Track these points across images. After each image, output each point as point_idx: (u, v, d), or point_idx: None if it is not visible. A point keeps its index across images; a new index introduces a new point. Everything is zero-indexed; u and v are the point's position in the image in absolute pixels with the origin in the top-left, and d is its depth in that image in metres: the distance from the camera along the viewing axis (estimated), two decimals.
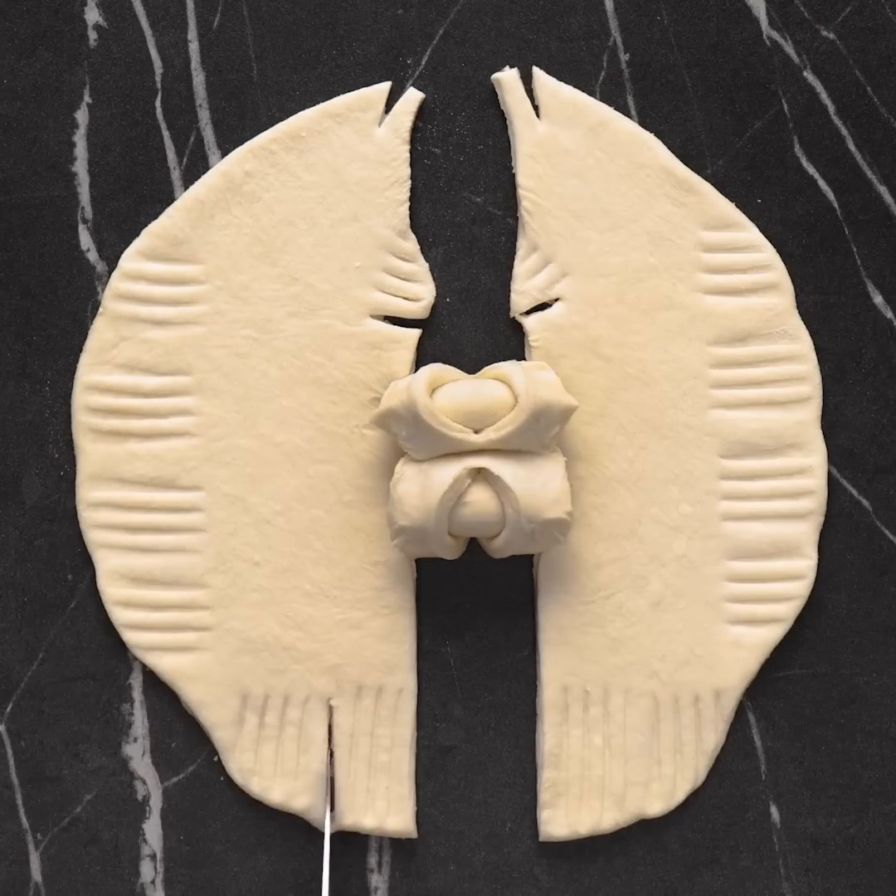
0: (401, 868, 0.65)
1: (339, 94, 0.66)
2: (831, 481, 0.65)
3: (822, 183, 0.66)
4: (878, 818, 0.65)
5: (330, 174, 0.65)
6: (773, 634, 0.64)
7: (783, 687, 0.65)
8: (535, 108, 0.65)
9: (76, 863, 0.65)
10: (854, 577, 0.66)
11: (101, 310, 0.65)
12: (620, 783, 0.64)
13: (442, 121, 0.66)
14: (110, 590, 0.64)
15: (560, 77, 0.66)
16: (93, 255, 0.66)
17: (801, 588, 0.64)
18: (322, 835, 0.64)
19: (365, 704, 0.64)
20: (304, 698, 0.64)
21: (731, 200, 0.65)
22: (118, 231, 0.66)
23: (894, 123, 0.66)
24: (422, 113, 0.66)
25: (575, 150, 0.65)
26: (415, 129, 0.66)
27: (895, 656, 0.65)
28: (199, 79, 0.66)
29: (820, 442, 0.65)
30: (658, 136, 0.66)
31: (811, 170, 0.66)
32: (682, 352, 0.65)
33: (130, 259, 0.65)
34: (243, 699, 0.64)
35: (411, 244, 0.65)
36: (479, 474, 0.61)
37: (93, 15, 0.66)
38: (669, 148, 0.65)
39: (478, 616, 0.65)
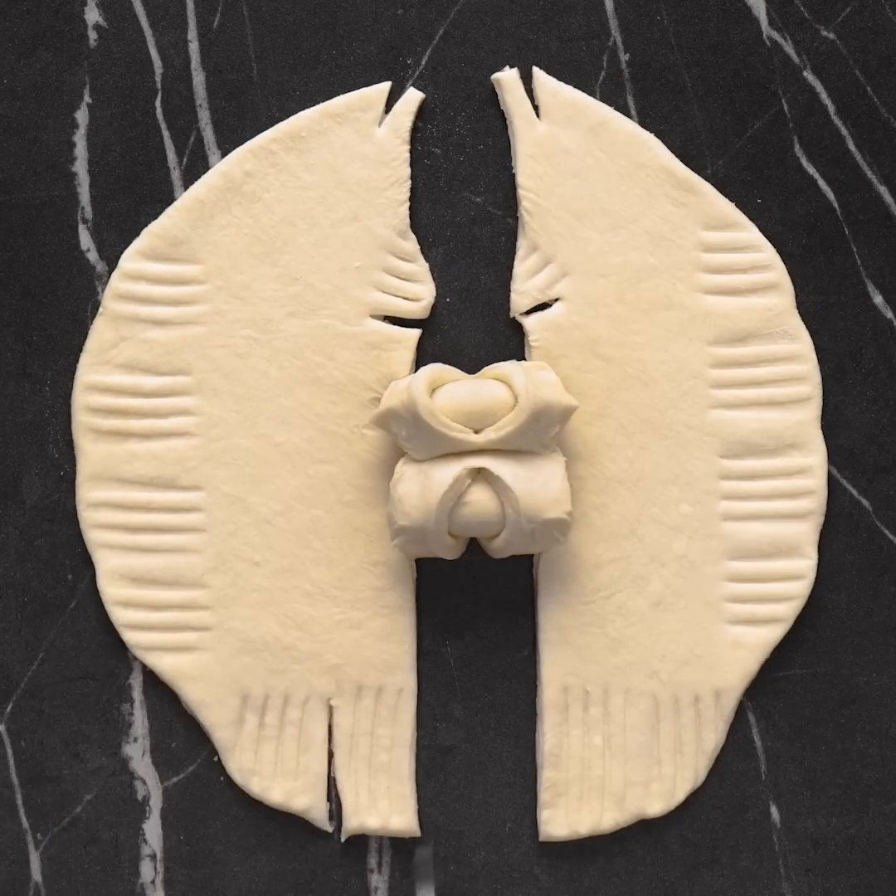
0: (401, 868, 0.65)
1: (339, 94, 0.66)
2: (831, 481, 0.65)
3: (822, 183, 0.66)
4: (878, 818, 0.65)
5: (330, 174, 0.65)
6: (773, 634, 0.64)
7: (783, 687, 0.65)
8: (535, 108, 0.65)
9: (76, 863, 0.65)
10: (854, 577, 0.66)
11: (101, 310, 0.65)
12: (620, 783, 0.64)
13: (442, 121, 0.66)
14: (110, 590, 0.64)
15: (560, 77, 0.66)
16: (93, 255, 0.66)
17: (801, 588, 0.64)
18: (322, 834, 0.64)
19: (365, 704, 0.64)
20: (304, 698, 0.64)
21: (731, 200, 0.65)
22: (118, 231, 0.66)
23: (894, 123, 0.66)
24: (422, 113, 0.66)
25: (575, 150, 0.65)
26: (415, 129, 0.66)
27: (895, 656, 0.65)
28: (199, 79, 0.66)
29: (820, 442, 0.65)
30: (658, 136, 0.66)
31: (811, 170, 0.66)
32: (682, 352, 0.65)
33: (130, 259, 0.65)
34: (243, 699, 0.64)
35: (411, 244, 0.65)
36: (479, 474, 0.61)
37: (93, 15, 0.66)
38: (669, 148, 0.65)
39: (478, 616, 0.65)
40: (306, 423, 0.64)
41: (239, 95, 0.66)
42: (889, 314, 0.66)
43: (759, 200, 0.66)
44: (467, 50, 0.66)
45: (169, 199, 0.66)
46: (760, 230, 0.65)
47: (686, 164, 0.65)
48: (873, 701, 0.65)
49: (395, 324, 0.65)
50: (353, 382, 0.65)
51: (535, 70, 0.66)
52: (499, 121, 0.66)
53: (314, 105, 0.66)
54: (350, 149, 0.65)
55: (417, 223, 0.66)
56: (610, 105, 0.66)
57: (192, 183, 0.65)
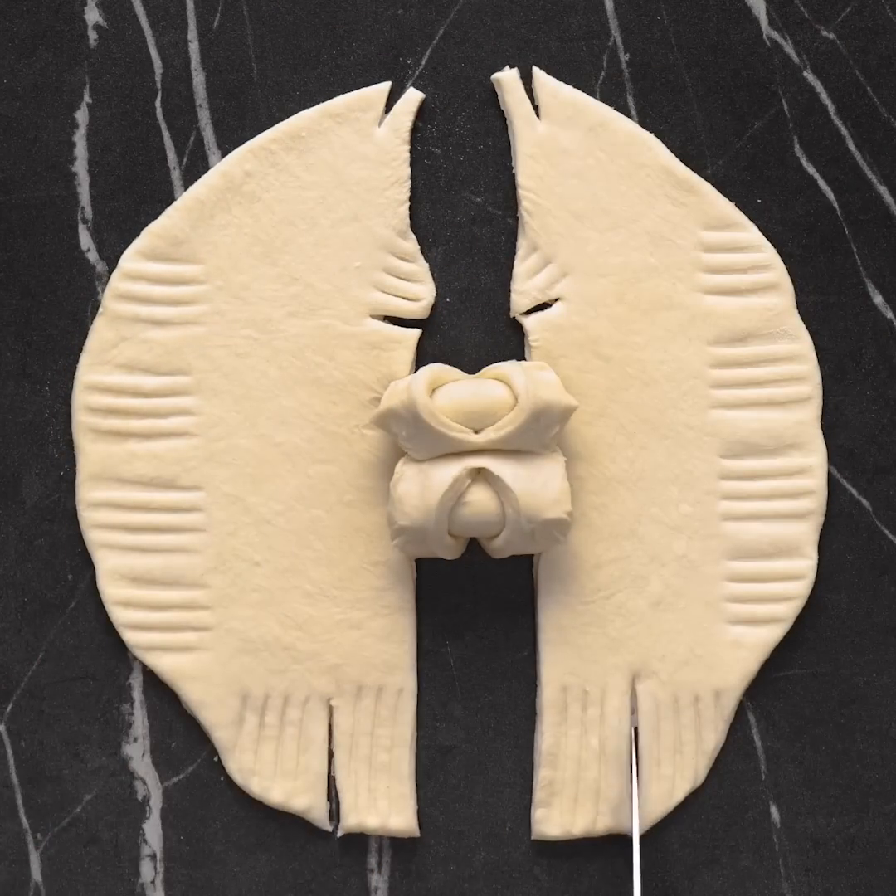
0: (401, 868, 0.65)
1: (339, 94, 0.66)
2: (831, 481, 0.65)
3: (822, 183, 0.66)
4: (878, 818, 0.65)
5: (330, 174, 0.65)
6: (773, 634, 0.64)
7: (783, 687, 0.65)
8: (535, 108, 0.65)
9: (76, 863, 0.65)
10: (854, 577, 0.66)
11: (101, 310, 0.65)
12: (616, 791, 0.64)
13: (442, 121, 0.66)
14: (110, 590, 0.64)
15: (560, 77, 0.66)
16: (93, 255, 0.66)
17: (801, 588, 0.64)
18: (322, 834, 0.64)
19: (365, 704, 0.64)
20: (304, 698, 0.64)
21: (731, 200, 0.65)
22: (118, 231, 0.66)
23: (894, 123, 0.66)
24: (422, 113, 0.66)
25: (575, 150, 0.65)
26: (415, 129, 0.66)
27: (895, 656, 0.65)
28: (199, 79, 0.66)
29: (820, 442, 0.65)
30: (658, 136, 0.66)
31: (811, 170, 0.66)
32: (682, 352, 0.65)
33: (130, 259, 0.65)
34: (243, 699, 0.64)
35: (411, 244, 0.65)
36: (479, 474, 0.61)
37: (93, 15, 0.66)
38: (669, 148, 0.65)
39: (478, 616, 0.65)
40: (306, 423, 0.64)
41: (239, 95, 0.66)
42: (889, 314, 0.66)
43: (759, 200, 0.66)
44: (467, 50, 0.66)
45: (169, 199, 0.66)
46: (760, 230, 0.65)
47: (686, 164, 0.65)
48: (873, 701, 0.65)
49: (395, 324, 0.65)
50: (353, 382, 0.65)
51: (535, 70, 0.66)
52: (499, 121, 0.66)
53: (314, 105, 0.66)
54: (350, 149, 0.65)
55: (417, 223, 0.66)
56: (610, 105, 0.66)
57: (192, 183, 0.65)
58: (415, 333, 0.65)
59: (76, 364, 0.65)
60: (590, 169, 0.65)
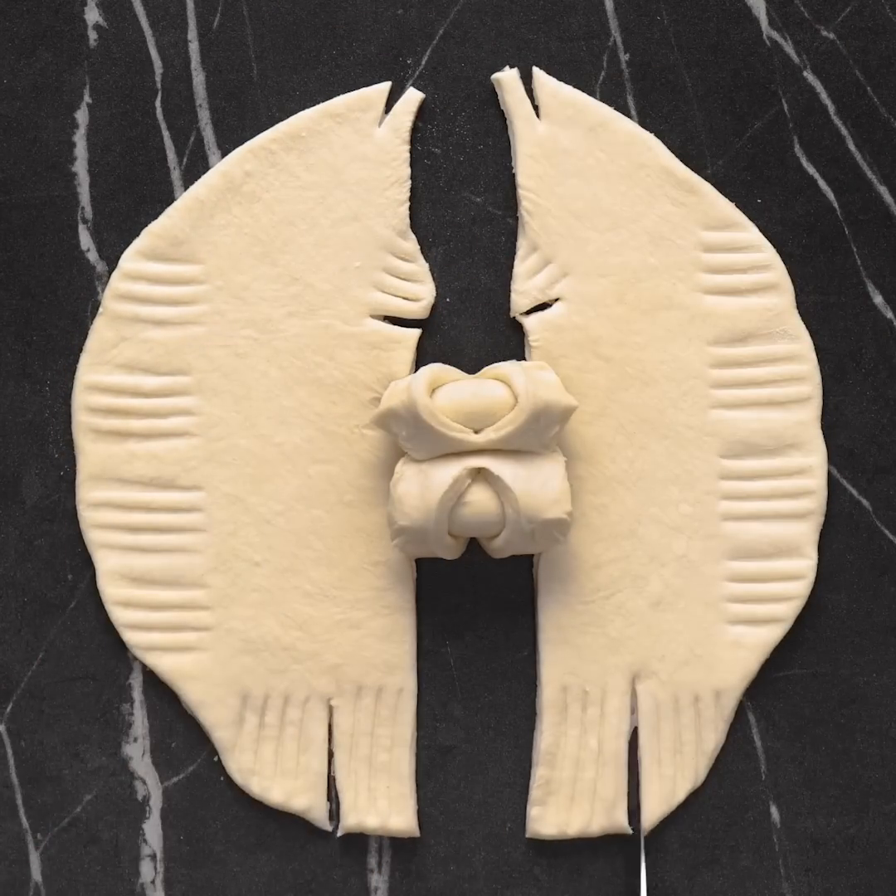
0: (401, 868, 0.65)
1: (339, 94, 0.66)
2: (831, 481, 0.65)
3: (822, 183, 0.66)
4: (878, 818, 0.65)
5: (330, 174, 0.65)
6: (773, 634, 0.64)
7: (783, 687, 0.65)
8: (535, 108, 0.65)
9: (76, 863, 0.65)
10: (854, 577, 0.66)
11: (101, 310, 0.65)
12: (612, 791, 0.64)
13: (442, 121, 0.66)
14: (110, 590, 0.64)
15: (560, 77, 0.66)
16: (93, 255, 0.66)
17: (801, 588, 0.64)
18: (322, 834, 0.64)
19: (365, 704, 0.64)
20: (304, 698, 0.64)
21: (731, 200, 0.65)
22: (118, 231, 0.66)
23: (894, 123, 0.66)
24: (422, 113, 0.66)
25: (575, 150, 0.65)
26: (415, 129, 0.66)
27: (895, 656, 0.65)
28: (199, 79, 0.66)
29: (820, 442, 0.65)
30: (658, 136, 0.66)
31: (811, 170, 0.66)
32: (682, 352, 0.65)
33: (130, 259, 0.65)
34: (243, 699, 0.64)
35: (411, 244, 0.65)
36: (479, 474, 0.61)
37: (93, 15, 0.66)
38: (669, 148, 0.65)
39: (478, 616, 0.65)
40: (306, 423, 0.65)
41: (239, 95, 0.66)
42: (889, 314, 0.66)
43: (759, 200, 0.66)
44: (467, 50, 0.66)
45: (169, 199, 0.66)
46: (760, 230, 0.65)
47: (686, 164, 0.65)
48: (873, 701, 0.65)
49: (395, 324, 0.65)
50: (353, 382, 0.65)
51: (535, 70, 0.66)
52: (499, 121, 0.66)
53: (314, 105, 0.66)
54: (350, 149, 0.65)
55: (417, 223, 0.66)
56: (610, 105, 0.66)
57: (192, 183, 0.65)
58: (415, 333, 0.65)
59: (76, 364, 0.65)
60: (590, 169, 0.65)
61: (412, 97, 0.66)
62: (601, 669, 0.64)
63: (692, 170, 0.65)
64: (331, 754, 0.64)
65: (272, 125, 0.65)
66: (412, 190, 0.66)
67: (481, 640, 0.65)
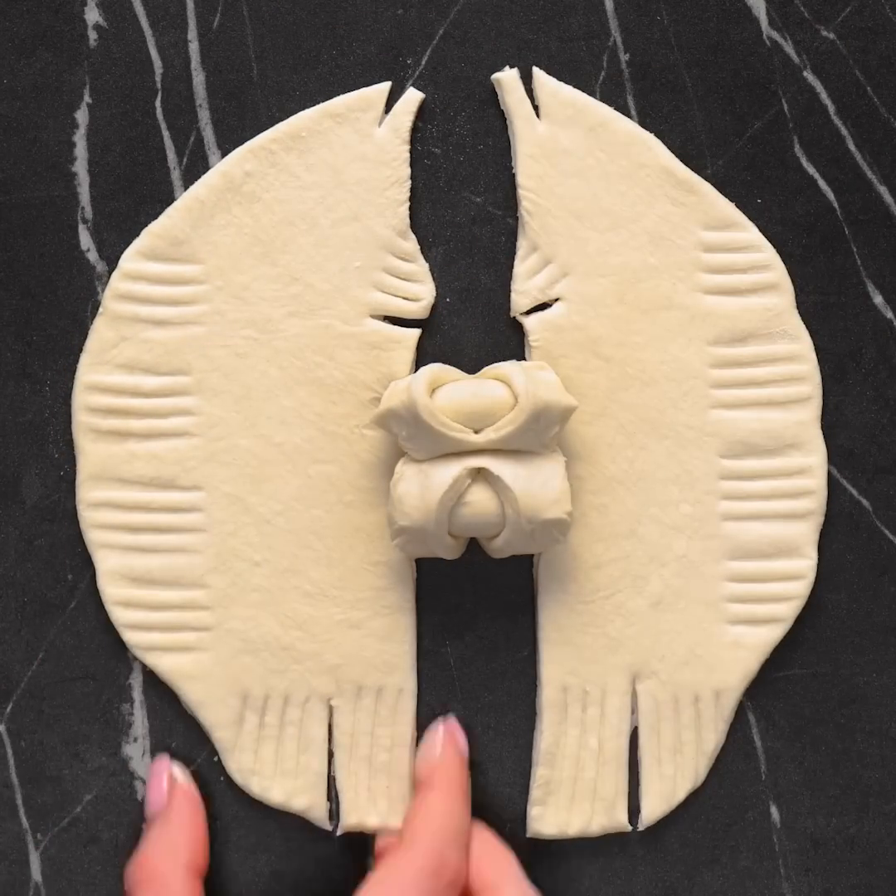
0: None
1: (339, 94, 0.66)
2: (831, 481, 0.65)
3: (822, 183, 0.66)
4: (878, 818, 0.65)
5: (330, 174, 0.65)
6: (773, 634, 0.64)
7: (783, 687, 0.65)
8: (535, 108, 0.65)
9: (76, 863, 0.65)
10: (854, 577, 0.66)
11: (101, 310, 0.65)
12: (612, 790, 0.64)
13: (442, 121, 0.66)
14: (110, 590, 0.64)
15: (560, 77, 0.66)
16: (93, 255, 0.66)
17: (800, 588, 0.64)
18: (322, 834, 0.64)
19: (365, 704, 0.64)
20: (304, 698, 0.64)
21: (731, 200, 0.65)
22: (118, 231, 0.66)
23: (894, 123, 0.66)
24: (422, 113, 0.66)
25: (575, 150, 0.65)
26: (415, 129, 0.66)
27: (895, 656, 0.65)
28: (199, 79, 0.66)
29: (820, 442, 0.65)
30: (658, 136, 0.66)
31: (811, 170, 0.66)
32: (682, 352, 0.65)
33: (130, 259, 0.65)
34: (243, 699, 0.64)
35: (411, 244, 0.65)
36: (479, 474, 0.61)
37: (93, 15, 0.66)
38: (669, 148, 0.65)
39: (478, 616, 0.65)
40: (306, 423, 0.65)
41: (239, 95, 0.66)
42: (889, 314, 0.66)
43: (759, 200, 0.66)
44: (467, 50, 0.66)
45: (169, 199, 0.66)
46: (760, 230, 0.65)
47: (686, 164, 0.65)
48: (873, 701, 0.65)
49: (395, 324, 0.65)
50: (353, 382, 0.65)
51: (535, 70, 0.66)
52: (499, 121, 0.66)
53: (314, 105, 0.66)
54: (350, 149, 0.65)
55: (417, 223, 0.66)
56: (610, 105, 0.66)
57: (192, 183, 0.65)
58: (415, 333, 0.65)
59: (76, 364, 0.65)
60: (590, 169, 0.65)
61: (412, 97, 0.66)
62: (601, 669, 0.64)
63: (692, 170, 0.65)
64: (331, 754, 0.65)
65: (272, 125, 0.65)
66: (412, 190, 0.66)
67: (481, 640, 0.65)
